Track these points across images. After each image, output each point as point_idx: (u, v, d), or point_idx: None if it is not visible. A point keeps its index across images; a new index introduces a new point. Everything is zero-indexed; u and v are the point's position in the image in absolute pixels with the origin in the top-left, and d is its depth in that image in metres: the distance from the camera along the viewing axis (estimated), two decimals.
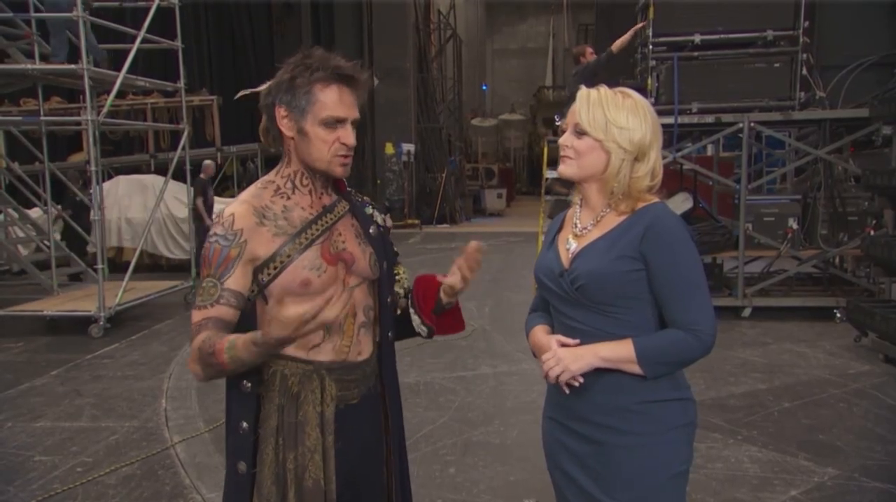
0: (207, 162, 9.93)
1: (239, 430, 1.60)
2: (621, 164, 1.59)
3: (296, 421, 1.57)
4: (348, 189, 1.74)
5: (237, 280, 1.54)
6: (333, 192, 1.70)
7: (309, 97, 1.55)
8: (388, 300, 1.74)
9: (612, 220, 1.63)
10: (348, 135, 1.59)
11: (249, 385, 1.60)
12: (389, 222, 1.84)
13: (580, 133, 1.61)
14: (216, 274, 1.54)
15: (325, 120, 1.56)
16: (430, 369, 5.24)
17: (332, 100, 1.56)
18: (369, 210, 1.77)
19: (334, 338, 1.62)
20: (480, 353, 5.67)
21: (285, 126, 1.59)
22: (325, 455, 1.58)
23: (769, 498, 3.21)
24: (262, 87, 1.63)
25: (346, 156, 1.61)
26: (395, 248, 1.85)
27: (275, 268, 1.55)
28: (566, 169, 1.65)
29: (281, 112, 1.58)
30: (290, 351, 1.59)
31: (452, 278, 1.71)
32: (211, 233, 1.58)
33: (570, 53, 16.18)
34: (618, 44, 7.11)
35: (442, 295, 1.75)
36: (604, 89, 1.62)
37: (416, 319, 1.78)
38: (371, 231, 1.73)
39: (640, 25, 6.85)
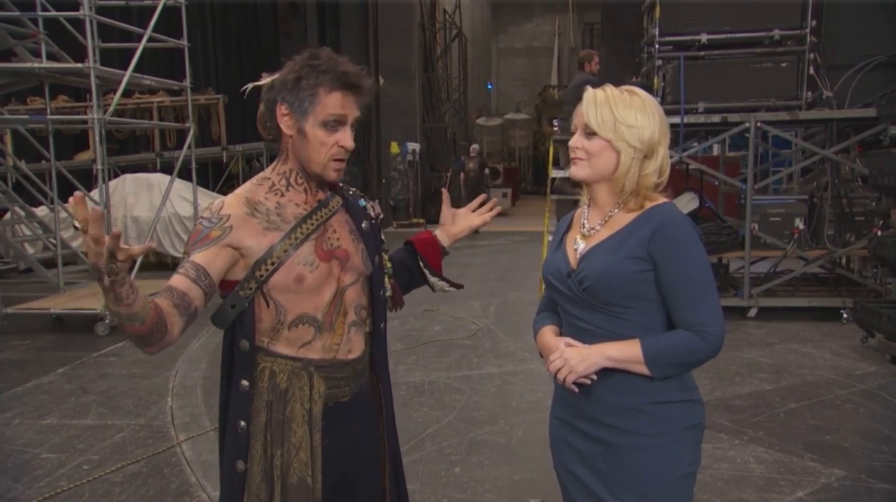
0: (475, 146, 15.83)
1: (237, 429, 1.60)
2: (631, 163, 1.59)
3: (283, 418, 1.58)
4: (340, 184, 1.74)
5: (206, 256, 1.52)
6: (327, 188, 1.71)
7: (312, 99, 1.55)
8: (381, 293, 1.77)
9: (621, 220, 1.62)
10: (347, 138, 1.59)
11: (247, 384, 1.60)
12: (378, 209, 1.85)
13: (590, 134, 1.61)
14: (190, 250, 1.54)
15: (326, 120, 1.56)
16: (435, 368, 5.24)
17: (334, 104, 1.57)
18: (362, 203, 1.79)
19: (324, 335, 1.63)
20: (485, 353, 5.67)
21: (285, 124, 1.59)
22: (313, 452, 1.57)
23: (775, 498, 3.20)
24: (266, 80, 1.62)
25: (341, 161, 1.61)
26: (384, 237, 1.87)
27: (272, 264, 1.56)
28: (578, 171, 1.64)
29: (282, 110, 1.58)
30: (280, 348, 1.60)
31: (466, 224, 1.98)
32: (198, 218, 1.59)
33: (575, 53, 16.13)
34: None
35: (447, 242, 1.97)
36: (610, 88, 1.62)
37: (440, 284, 1.96)
38: (363, 226, 1.75)
39: None
